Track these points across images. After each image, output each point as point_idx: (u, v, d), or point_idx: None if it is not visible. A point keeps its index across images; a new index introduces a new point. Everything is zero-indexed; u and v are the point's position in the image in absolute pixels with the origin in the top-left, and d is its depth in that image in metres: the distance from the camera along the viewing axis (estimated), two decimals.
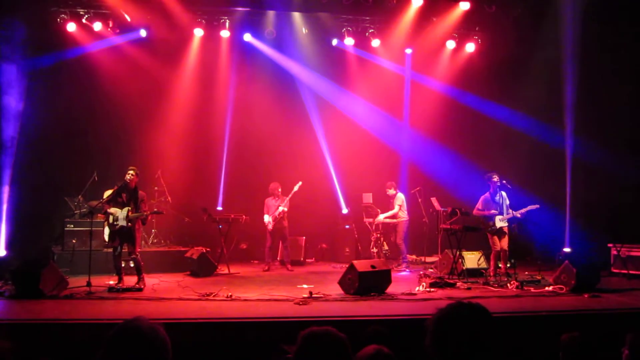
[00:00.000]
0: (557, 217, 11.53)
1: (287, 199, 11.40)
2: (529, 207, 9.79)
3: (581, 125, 11.75)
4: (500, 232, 9.83)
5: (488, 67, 12.87)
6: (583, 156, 11.65)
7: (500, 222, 9.82)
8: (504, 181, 9.88)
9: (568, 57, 11.53)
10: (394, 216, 11.58)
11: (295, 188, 11.43)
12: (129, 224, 8.67)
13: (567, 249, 11.26)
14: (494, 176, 9.92)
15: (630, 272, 10.14)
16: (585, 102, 11.66)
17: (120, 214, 8.70)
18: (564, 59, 11.63)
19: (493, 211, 9.82)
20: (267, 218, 11.45)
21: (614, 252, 10.61)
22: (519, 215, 9.76)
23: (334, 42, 13.07)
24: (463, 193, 11.72)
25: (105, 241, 10.30)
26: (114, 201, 8.79)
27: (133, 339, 1.95)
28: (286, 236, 11.59)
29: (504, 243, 9.81)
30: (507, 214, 9.83)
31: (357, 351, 2.64)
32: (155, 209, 9.89)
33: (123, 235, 8.76)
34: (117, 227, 8.71)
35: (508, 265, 9.89)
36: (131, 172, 8.76)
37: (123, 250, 8.91)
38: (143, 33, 12.12)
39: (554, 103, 11.99)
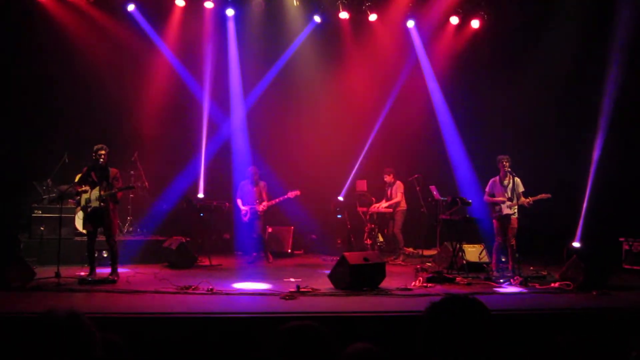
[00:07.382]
0: (570, 208, 11.48)
1: (273, 201, 11.33)
2: (539, 196, 9.54)
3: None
4: (505, 220, 9.70)
5: (494, 44, 12.80)
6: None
7: (507, 209, 9.69)
8: (509, 170, 9.76)
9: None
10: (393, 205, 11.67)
11: (291, 195, 11.31)
12: (102, 204, 8.62)
13: (576, 243, 11.22)
14: (505, 160, 9.82)
15: None
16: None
17: (92, 194, 8.64)
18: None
19: (502, 198, 9.71)
20: (242, 205, 11.40)
21: (625, 246, 10.64)
22: (526, 205, 9.59)
23: (317, 18, 12.96)
24: (465, 181, 11.71)
25: (76, 229, 10.28)
26: (84, 182, 8.74)
27: (47, 331, 1.96)
28: (265, 225, 11.55)
29: (510, 233, 9.65)
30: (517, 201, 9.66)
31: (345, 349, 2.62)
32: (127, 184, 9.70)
33: (97, 218, 8.71)
34: (90, 209, 8.66)
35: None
36: (101, 151, 8.69)
37: (98, 239, 8.87)
38: (131, 7, 12.06)
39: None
